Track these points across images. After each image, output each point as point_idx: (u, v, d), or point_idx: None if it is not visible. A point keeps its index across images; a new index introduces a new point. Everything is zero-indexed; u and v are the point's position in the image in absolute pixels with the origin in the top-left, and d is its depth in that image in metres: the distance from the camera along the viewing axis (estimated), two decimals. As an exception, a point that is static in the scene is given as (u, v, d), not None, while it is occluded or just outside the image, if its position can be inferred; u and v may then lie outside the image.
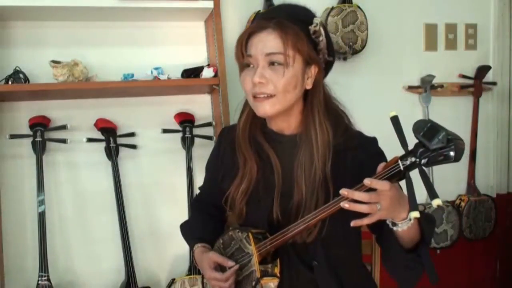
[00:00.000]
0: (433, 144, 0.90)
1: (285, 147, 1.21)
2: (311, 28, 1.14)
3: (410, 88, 2.44)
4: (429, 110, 2.43)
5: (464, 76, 2.51)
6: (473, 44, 2.57)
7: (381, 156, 1.19)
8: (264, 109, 1.14)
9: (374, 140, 1.22)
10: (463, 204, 2.51)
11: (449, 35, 2.52)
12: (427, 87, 2.43)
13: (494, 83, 2.59)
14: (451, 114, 2.53)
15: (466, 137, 2.53)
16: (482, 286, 2.66)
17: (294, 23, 1.12)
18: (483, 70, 2.51)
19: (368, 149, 1.19)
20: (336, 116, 1.20)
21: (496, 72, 2.60)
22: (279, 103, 1.13)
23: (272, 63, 1.12)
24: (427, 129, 0.91)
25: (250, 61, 1.15)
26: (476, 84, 2.51)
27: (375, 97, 2.37)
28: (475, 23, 2.56)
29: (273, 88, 1.12)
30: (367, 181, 0.95)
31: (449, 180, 2.51)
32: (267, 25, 1.12)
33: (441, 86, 2.45)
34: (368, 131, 1.23)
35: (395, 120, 0.98)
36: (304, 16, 1.16)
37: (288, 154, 1.19)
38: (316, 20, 1.14)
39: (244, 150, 1.23)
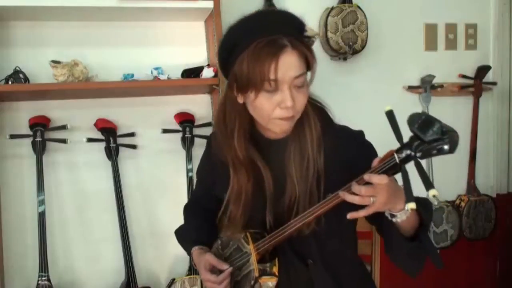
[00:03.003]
0: (428, 136, 0.90)
1: (277, 150, 1.20)
2: (314, 39, 1.12)
3: (410, 88, 2.43)
4: (429, 110, 2.43)
5: (464, 76, 2.51)
6: (473, 44, 2.57)
7: (370, 147, 1.20)
8: (287, 127, 1.13)
9: (361, 133, 1.23)
10: (463, 204, 2.51)
11: (449, 35, 2.52)
12: (427, 87, 2.43)
13: (494, 83, 2.59)
14: (451, 114, 2.53)
15: (466, 137, 2.53)
16: (482, 286, 2.65)
17: (302, 36, 1.10)
18: (483, 70, 2.51)
19: (357, 142, 1.20)
20: (320, 110, 1.20)
21: (496, 72, 2.60)
22: (295, 120, 1.13)
23: (296, 84, 1.08)
24: (422, 121, 0.91)
25: (273, 85, 1.06)
26: (476, 84, 2.51)
27: (375, 97, 2.37)
28: (475, 23, 2.56)
29: (298, 109, 1.10)
30: (366, 177, 0.97)
31: (449, 180, 2.50)
32: (283, 44, 1.05)
33: (441, 86, 2.44)
34: (368, 131, 1.23)
35: (390, 115, 0.97)
36: (299, 25, 1.13)
37: (280, 155, 1.18)
38: (313, 32, 1.12)
39: (241, 170, 1.18)
